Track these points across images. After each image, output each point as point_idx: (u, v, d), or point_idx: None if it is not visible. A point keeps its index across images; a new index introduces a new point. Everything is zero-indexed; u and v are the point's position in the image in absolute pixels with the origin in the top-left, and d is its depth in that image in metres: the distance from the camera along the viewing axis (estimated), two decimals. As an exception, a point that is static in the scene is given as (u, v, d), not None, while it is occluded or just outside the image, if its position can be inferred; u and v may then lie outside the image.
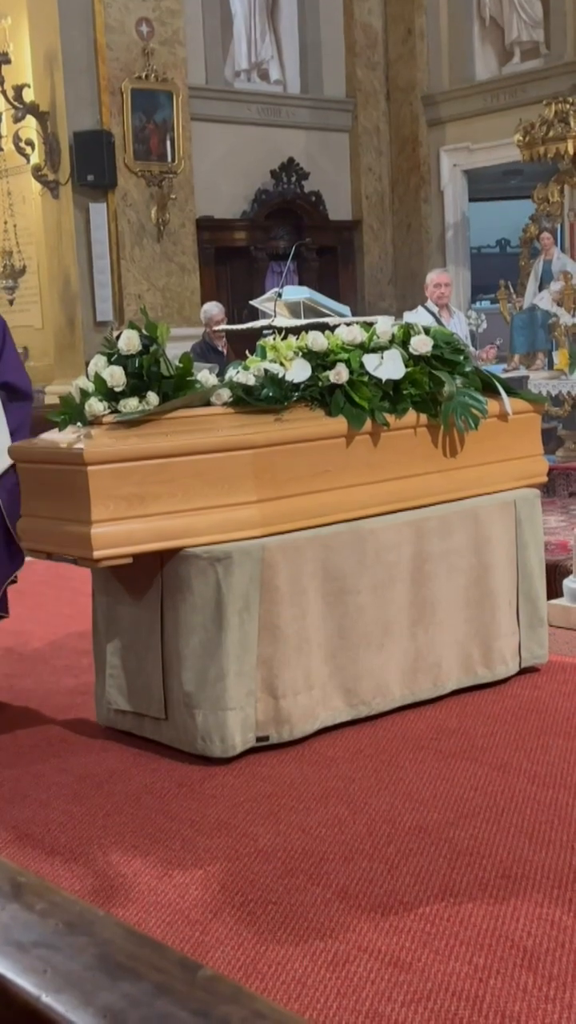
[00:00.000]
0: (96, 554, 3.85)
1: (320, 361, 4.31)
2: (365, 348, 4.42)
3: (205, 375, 4.23)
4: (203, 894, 3.04)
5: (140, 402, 3.95)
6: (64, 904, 0.84)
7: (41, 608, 6.52)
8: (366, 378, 4.34)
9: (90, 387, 3.99)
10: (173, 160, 11.54)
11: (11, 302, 11.96)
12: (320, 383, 4.27)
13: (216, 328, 9.21)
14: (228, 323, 8.96)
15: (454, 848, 3.24)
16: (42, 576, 6.96)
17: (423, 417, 4.49)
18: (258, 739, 4.05)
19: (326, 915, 2.89)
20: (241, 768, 3.93)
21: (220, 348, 9.17)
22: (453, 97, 13.67)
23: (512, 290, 11.19)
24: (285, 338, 4.46)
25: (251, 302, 6.68)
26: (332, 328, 4.61)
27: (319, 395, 4.28)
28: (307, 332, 4.47)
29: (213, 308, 9.66)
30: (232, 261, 13.13)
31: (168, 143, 11.48)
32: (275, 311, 5.87)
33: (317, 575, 4.16)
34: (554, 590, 5.54)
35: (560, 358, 10.24)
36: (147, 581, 4.09)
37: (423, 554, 4.43)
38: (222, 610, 3.94)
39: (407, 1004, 2.47)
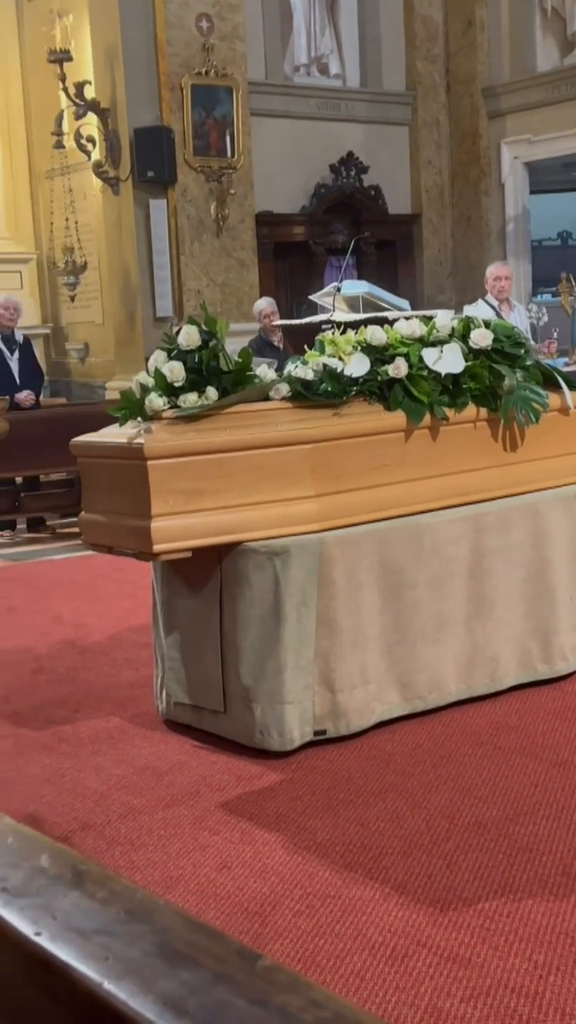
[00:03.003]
0: (156, 548, 3.88)
1: (379, 355, 4.31)
2: (424, 342, 4.41)
3: (264, 370, 4.24)
4: (262, 886, 3.05)
5: (199, 397, 3.96)
6: (125, 892, 0.85)
7: (101, 602, 6.58)
8: (425, 372, 4.33)
9: (150, 382, 4.02)
10: (232, 155, 11.56)
11: (72, 298, 12.06)
12: (379, 377, 4.27)
13: (271, 323, 9.23)
14: (286, 318, 8.97)
15: (513, 844, 3.22)
16: (101, 570, 7.03)
17: (483, 411, 4.47)
18: (315, 733, 4.06)
19: (384, 910, 2.89)
20: (299, 762, 3.94)
21: (276, 343, 9.19)
22: (514, 89, 13.56)
23: (573, 283, 11.08)
24: (344, 333, 4.46)
25: (310, 297, 6.68)
26: (391, 322, 4.59)
27: (378, 389, 4.28)
28: (366, 326, 4.46)
29: (263, 303, 9.68)
30: (291, 256, 13.13)
31: (227, 138, 11.50)
32: (334, 305, 5.87)
33: (374, 569, 4.16)
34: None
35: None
36: (206, 575, 4.11)
37: (481, 549, 4.41)
38: (280, 604, 3.95)
39: (466, 1000, 2.47)
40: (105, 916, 0.82)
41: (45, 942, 0.78)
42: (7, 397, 3.23)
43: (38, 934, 0.80)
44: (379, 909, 2.90)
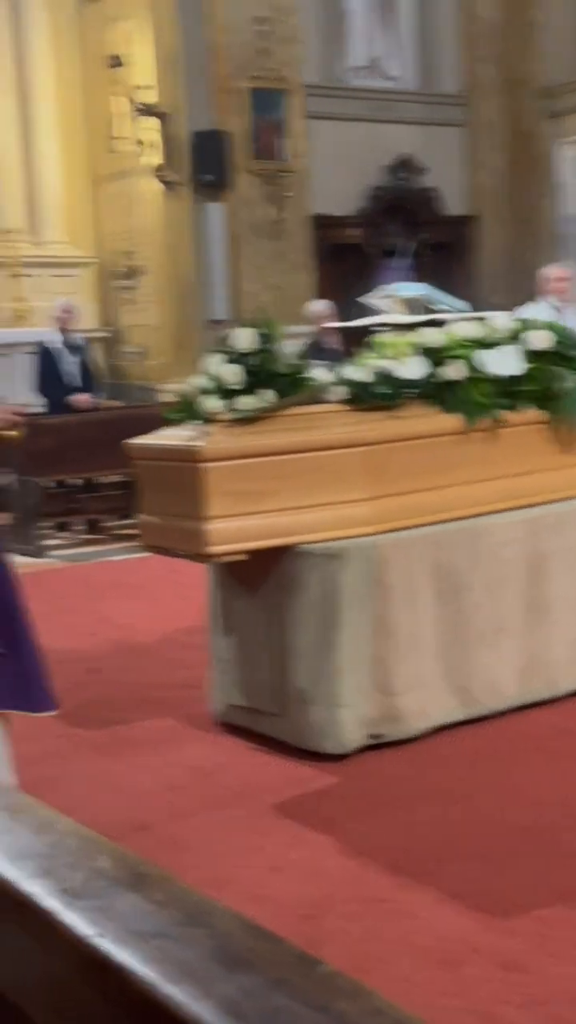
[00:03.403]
0: (211, 550, 3.89)
1: (436, 357, 4.29)
2: (482, 344, 4.38)
3: (319, 372, 4.24)
4: (313, 890, 3.04)
5: (255, 399, 3.97)
6: (182, 895, 0.85)
7: (155, 603, 6.61)
8: (483, 374, 4.30)
9: (207, 385, 4.03)
10: (288, 158, 11.58)
11: (129, 301, 12.14)
12: (436, 379, 4.25)
13: (326, 325, 9.22)
14: (341, 320, 8.96)
15: (568, 850, 3.19)
16: (157, 571, 7.06)
17: (541, 414, 4.43)
18: (371, 737, 4.04)
19: (437, 915, 2.87)
20: (353, 765, 3.93)
21: (332, 345, 9.18)
22: (571, 89, 13.44)
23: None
24: (401, 335, 4.45)
25: (363, 299, 6.67)
26: (448, 324, 4.57)
27: (435, 391, 4.26)
28: (422, 328, 4.44)
29: (318, 305, 9.67)
30: (346, 258, 13.12)
31: (283, 141, 11.52)
32: (389, 307, 5.85)
33: (430, 572, 4.14)
34: None
35: None
36: (261, 577, 4.11)
37: (539, 552, 4.37)
38: (335, 607, 3.94)
39: (522, 1007, 2.44)
40: (163, 919, 0.81)
41: (104, 944, 0.79)
42: (25, 407, 3.22)
43: (97, 936, 0.80)
44: (431, 914, 2.88)
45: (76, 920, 0.82)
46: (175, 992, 0.72)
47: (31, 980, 0.87)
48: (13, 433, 3.47)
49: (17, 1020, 0.90)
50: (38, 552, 8.56)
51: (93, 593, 7.07)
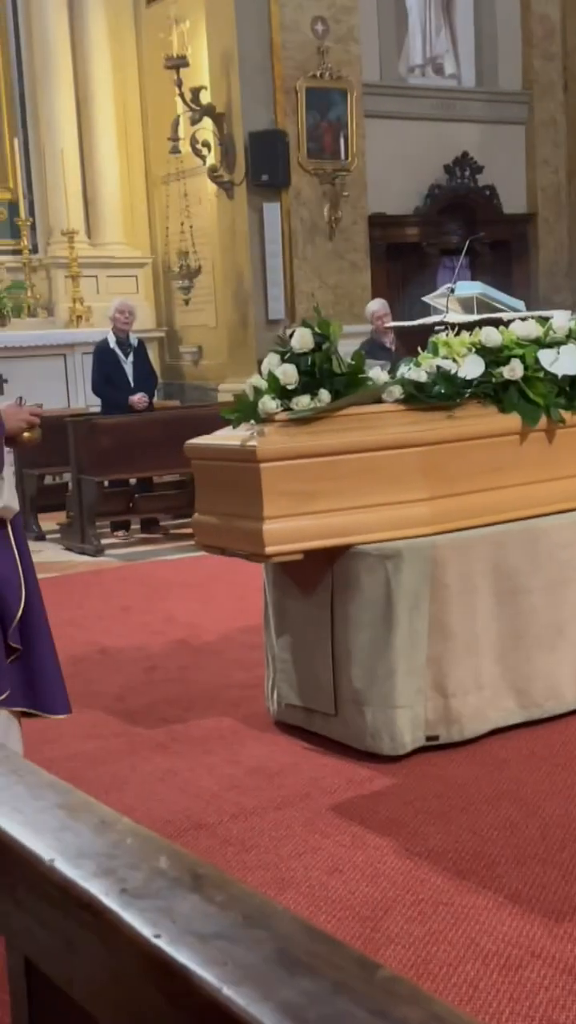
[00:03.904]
0: (268, 550, 3.89)
1: (494, 357, 4.26)
2: (541, 343, 4.34)
3: (376, 372, 4.23)
4: (373, 891, 3.03)
5: (312, 400, 3.96)
6: (243, 897, 0.85)
7: (212, 602, 6.63)
8: (541, 374, 4.26)
9: (263, 385, 4.03)
10: (346, 158, 11.55)
11: (187, 302, 12.19)
12: (494, 379, 4.22)
13: (383, 325, 9.20)
14: (399, 320, 8.93)
15: (630, 856, 3.15)
16: (213, 571, 7.08)
17: (600, 414, 4.38)
18: (428, 738, 4.02)
19: (498, 919, 2.85)
20: (411, 767, 3.92)
21: (388, 345, 9.15)
22: (633, 85, 13.29)
23: None
24: (458, 334, 4.42)
25: (423, 298, 6.64)
26: (506, 323, 4.54)
27: (492, 391, 4.23)
28: (480, 327, 4.41)
29: (375, 305, 9.64)
30: (403, 257, 13.07)
31: (341, 141, 11.50)
32: (447, 307, 5.82)
33: (488, 574, 4.11)
34: None
35: None
36: (317, 577, 4.11)
37: (599, 554, 4.32)
38: (391, 607, 3.93)
39: (581, 1014, 2.42)
40: (224, 921, 0.81)
41: (164, 944, 0.78)
42: (41, 405, 3.17)
43: (157, 936, 0.80)
44: (492, 918, 2.86)
45: (137, 920, 0.82)
46: (236, 995, 0.72)
47: (96, 980, 0.87)
48: (29, 434, 3.50)
49: (83, 1020, 0.90)
50: (96, 551, 8.62)
51: (153, 592, 7.10)
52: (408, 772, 3.88)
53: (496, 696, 4.14)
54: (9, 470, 3.34)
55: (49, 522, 9.47)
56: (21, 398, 3.52)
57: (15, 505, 3.33)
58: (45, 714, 3.42)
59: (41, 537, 9.40)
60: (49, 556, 8.76)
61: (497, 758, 3.95)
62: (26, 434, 3.47)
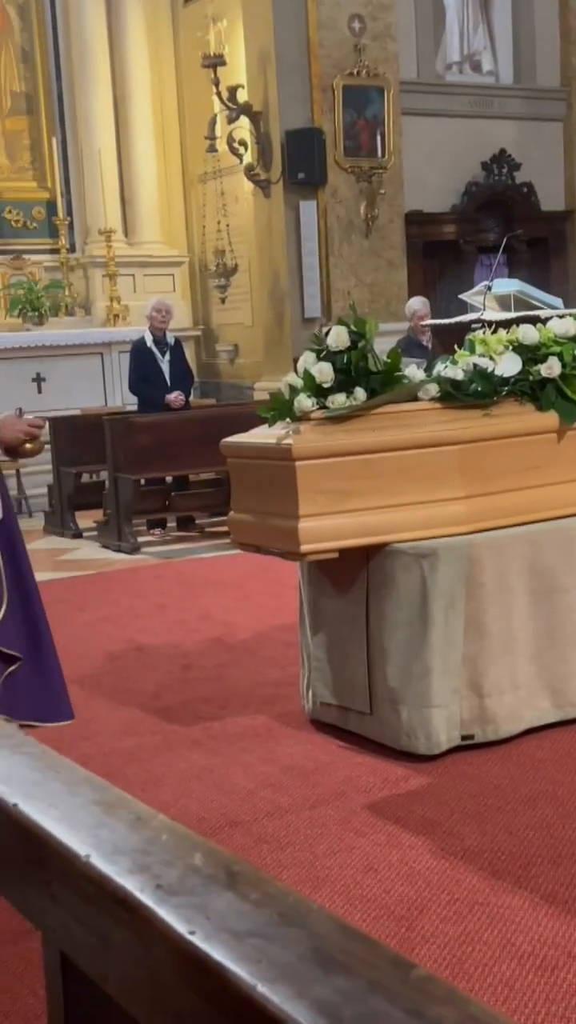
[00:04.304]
0: (303, 548, 3.89)
1: (531, 355, 4.23)
2: (578, 341, 4.31)
3: (412, 370, 4.21)
4: (408, 890, 3.03)
5: (347, 398, 3.96)
6: (278, 895, 0.85)
7: (248, 600, 6.64)
8: (579, 372, 4.23)
9: (299, 383, 4.03)
10: (383, 155, 11.52)
11: (223, 300, 12.21)
12: (531, 377, 4.20)
13: (420, 322, 9.18)
14: (436, 318, 8.90)
15: None
16: (248, 569, 7.09)
17: None
18: (463, 738, 4.01)
19: (534, 919, 2.84)
20: (446, 766, 3.90)
21: (425, 343, 9.13)
22: None
23: None
24: (495, 332, 4.40)
25: (460, 296, 6.62)
26: (544, 321, 4.51)
27: (529, 389, 4.20)
28: (517, 325, 4.39)
29: (417, 303, 9.62)
30: (440, 255, 13.03)
31: (378, 138, 11.47)
32: (484, 304, 5.80)
33: (524, 573, 4.09)
34: None
35: None
36: (352, 575, 4.10)
37: None
38: (427, 606, 3.92)
39: (617, 1016, 2.40)
40: (258, 918, 0.81)
41: (199, 941, 0.79)
42: (46, 421, 3.16)
43: (192, 933, 0.80)
44: (528, 918, 2.84)
45: (171, 917, 0.82)
46: (270, 992, 0.72)
47: (131, 976, 0.87)
48: (31, 446, 3.52)
49: (118, 1016, 0.91)
50: (132, 549, 8.65)
51: (189, 590, 7.12)
52: (443, 772, 3.86)
53: (531, 696, 4.12)
54: None
55: (86, 520, 9.52)
56: (20, 409, 3.55)
57: (0, 509, 3.33)
58: (48, 724, 3.43)
59: (78, 535, 9.45)
60: (86, 554, 8.81)
61: (533, 758, 3.93)
62: (27, 445, 3.50)
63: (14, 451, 3.49)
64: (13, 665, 3.24)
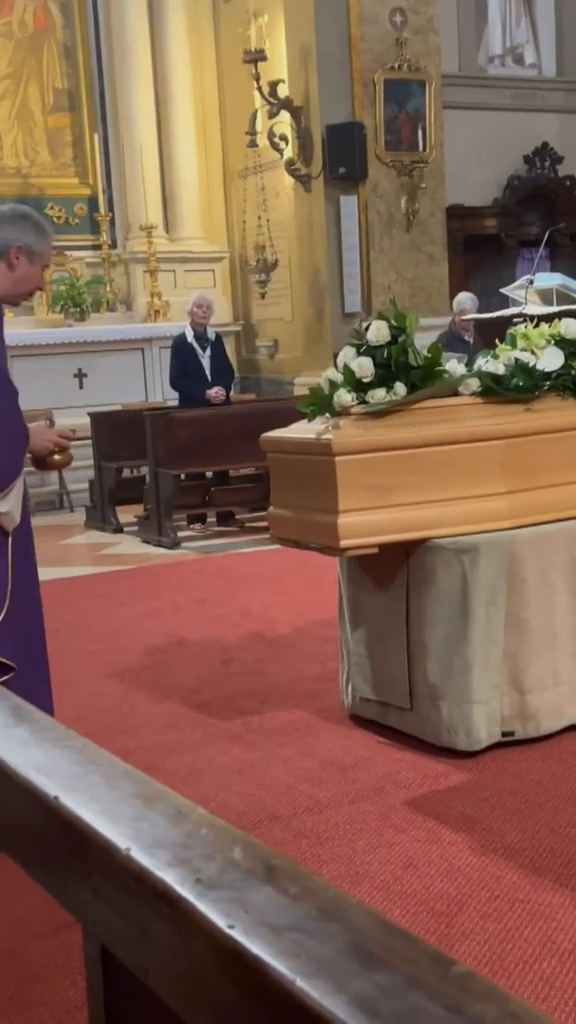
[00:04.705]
0: (343, 543, 3.88)
1: (573, 349, 4.20)
2: (621, 335, 4.28)
3: (453, 365, 4.19)
4: (448, 887, 3.02)
5: (388, 393, 3.95)
6: (317, 890, 0.85)
7: (287, 595, 6.65)
8: (622, 366, 4.20)
9: (339, 378, 4.02)
10: (424, 149, 11.48)
11: (263, 295, 12.22)
12: (573, 371, 4.17)
13: (462, 317, 9.14)
14: (478, 312, 8.86)
15: None
16: (288, 564, 7.09)
17: None
18: (504, 734, 3.99)
19: (575, 916, 2.82)
20: (486, 763, 3.89)
21: (466, 338, 9.09)
22: None
23: None
24: (537, 326, 4.37)
25: (501, 290, 6.58)
26: (586, 315, 4.47)
27: (571, 384, 4.17)
28: (560, 319, 4.36)
29: (467, 302, 9.56)
30: (482, 249, 12.98)
31: (419, 132, 11.43)
32: (526, 298, 5.76)
33: (566, 568, 4.06)
34: None
35: None
36: (392, 571, 4.09)
37: None
38: (468, 602, 3.90)
39: None
40: (297, 913, 0.81)
41: (238, 935, 0.79)
42: (74, 431, 3.16)
43: (231, 927, 0.80)
44: (569, 916, 2.83)
45: (211, 911, 0.82)
46: (309, 987, 0.72)
47: (171, 969, 0.88)
48: (59, 457, 3.54)
49: (157, 1008, 0.91)
50: (173, 543, 8.68)
51: (229, 585, 7.14)
52: (483, 768, 3.85)
53: (573, 692, 4.09)
54: (21, 483, 3.35)
55: (127, 515, 9.56)
56: (50, 420, 3.57)
57: (17, 516, 3.34)
58: None
59: (119, 530, 9.50)
60: (126, 549, 8.85)
61: (574, 755, 3.91)
62: (56, 456, 3.52)
63: (42, 461, 3.51)
64: (6, 675, 3.23)
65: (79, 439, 3.94)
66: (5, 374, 3.34)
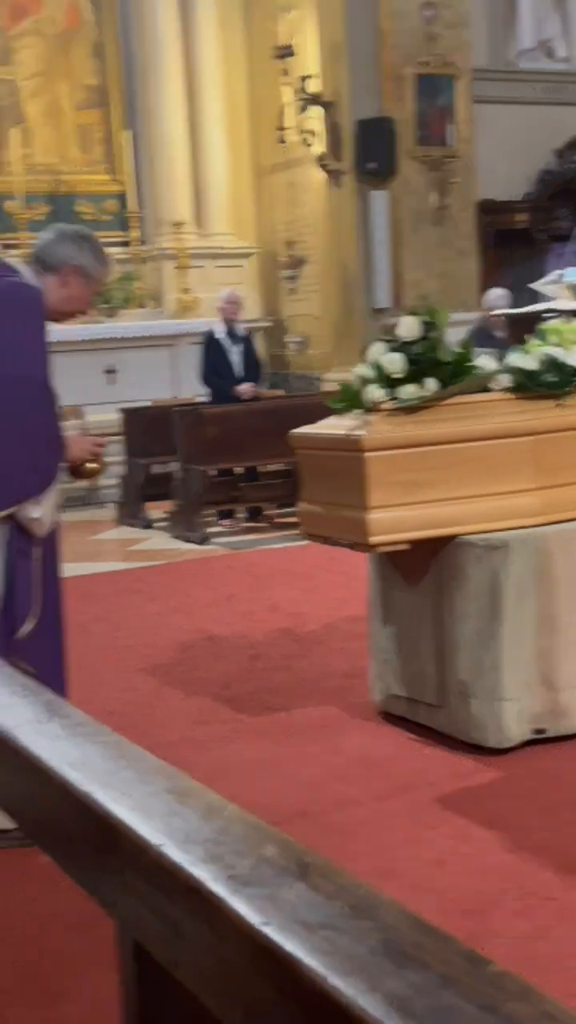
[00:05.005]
0: (372, 540, 3.87)
1: (605, 345, 4.18)
2: None
3: (484, 360, 4.18)
4: (478, 884, 3.01)
5: (418, 388, 3.93)
6: (349, 887, 0.84)
7: (316, 591, 6.65)
8: None
9: (369, 374, 4.01)
10: (454, 144, 11.44)
11: (292, 291, 12.20)
12: (605, 368, 4.14)
13: (493, 312, 9.10)
14: (511, 307, 8.82)
15: None
16: (317, 560, 7.09)
17: None
18: (534, 731, 3.97)
19: (605, 916, 2.81)
20: (516, 760, 3.87)
21: (497, 333, 9.05)
22: None
23: None
24: (568, 321, 4.35)
25: (531, 285, 6.55)
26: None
27: (604, 380, 4.15)
28: (592, 315, 4.34)
29: (501, 300, 9.51)
30: (512, 244, 12.90)
31: (450, 127, 11.38)
32: (557, 293, 5.73)
33: (599, 566, 4.04)
34: None
35: None
36: (422, 567, 4.08)
37: None
38: (498, 599, 3.89)
39: None
40: (330, 910, 0.81)
41: (271, 932, 0.78)
42: (105, 441, 3.12)
43: (264, 924, 0.80)
44: (600, 915, 2.81)
45: (244, 907, 0.82)
46: (343, 984, 0.72)
47: (204, 966, 0.88)
48: (92, 466, 3.55)
49: (190, 1004, 0.91)
50: (202, 539, 8.69)
51: (258, 581, 7.14)
52: (514, 765, 3.84)
53: (605, 690, 4.07)
54: (55, 491, 3.36)
55: (156, 511, 9.59)
56: (85, 428, 3.58)
57: (48, 522, 3.34)
58: None
59: (148, 526, 9.52)
60: (156, 544, 8.87)
61: (605, 753, 3.89)
62: (89, 465, 3.53)
63: (77, 470, 3.53)
64: None
65: (110, 435, 3.95)
66: (48, 381, 3.36)
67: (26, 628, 3.28)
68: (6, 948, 2.84)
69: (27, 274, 3.47)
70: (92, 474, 3.63)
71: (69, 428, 3.68)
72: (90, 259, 3.51)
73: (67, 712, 1.34)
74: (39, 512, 3.27)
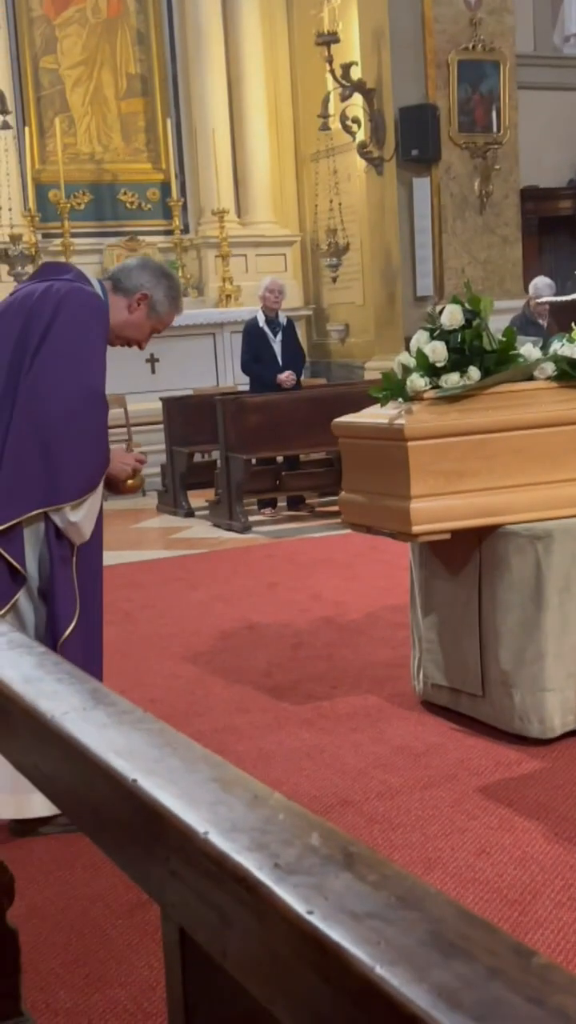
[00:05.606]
0: (415, 529, 3.86)
1: None
2: None
3: (528, 349, 4.15)
4: (522, 874, 3.00)
5: (461, 377, 3.92)
6: (396, 878, 0.84)
7: (358, 580, 6.64)
8: None
9: (412, 363, 3.99)
10: (498, 130, 11.35)
11: (334, 279, 12.18)
12: None
13: (538, 300, 9.04)
14: (551, 295, 8.75)
15: None
16: (359, 549, 7.09)
17: None
18: (578, 722, 3.95)
19: None
20: (560, 751, 3.86)
21: (540, 321, 8.99)
22: None
23: None
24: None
25: (577, 273, 6.49)
26: None
27: None
28: None
29: (545, 289, 9.44)
30: (556, 231, 12.81)
31: (493, 113, 11.30)
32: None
33: None
34: None
35: None
36: (465, 557, 4.07)
37: None
38: (541, 589, 3.87)
39: None
40: (377, 900, 0.81)
41: (317, 921, 0.79)
42: (145, 458, 3.08)
43: (310, 912, 0.80)
44: None
45: (290, 896, 0.83)
46: (389, 975, 0.72)
47: (250, 953, 0.88)
48: (132, 481, 3.55)
49: (235, 991, 0.92)
50: (243, 528, 8.71)
51: (299, 569, 7.15)
52: (557, 756, 3.82)
53: None
54: (96, 501, 3.36)
55: (198, 499, 9.61)
56: (129, 443, 3.58)
57: (87, 532, 3.34)
58: None
59: (190, 514, 9.55)
60: (198, 533, 8.90)
61: None
62: (128, 481, 3.54)
63: (116, 485, 3.53)
64: None
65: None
66: (102, 392, 3.37)
67: (66, 634, 3.30)
68: (54, 932, 2.86)
69: (96, 287, 3.49)
70: (131, 490, 3.64)
71: (113, 440, 3.69)
72: (163, 295, 3.53)
73: (112, 700, 1.35)
74: (77, 516, 3.27)
